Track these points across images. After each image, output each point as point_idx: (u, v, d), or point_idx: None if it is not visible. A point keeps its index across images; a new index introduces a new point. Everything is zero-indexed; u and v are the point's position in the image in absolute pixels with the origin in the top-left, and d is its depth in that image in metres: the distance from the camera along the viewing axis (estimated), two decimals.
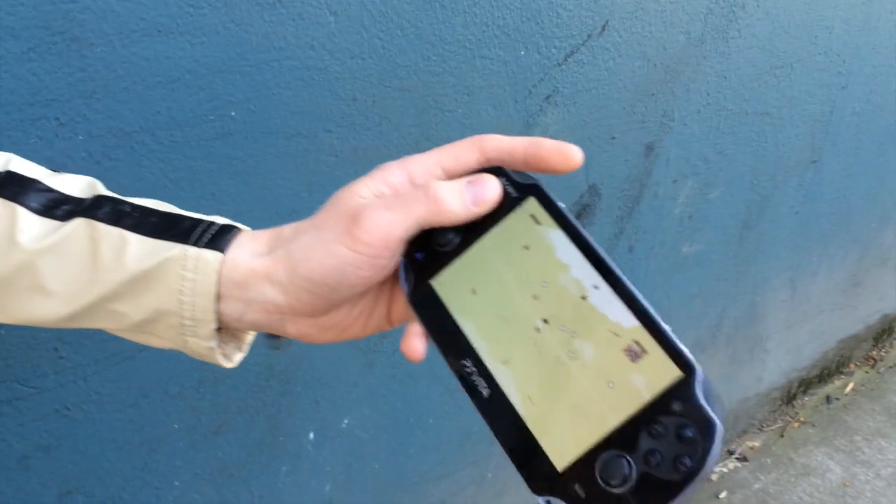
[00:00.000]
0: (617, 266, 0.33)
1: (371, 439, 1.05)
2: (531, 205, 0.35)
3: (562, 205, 0.35)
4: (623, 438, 0.30)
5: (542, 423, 0.31)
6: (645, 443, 0.29)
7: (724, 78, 1.22)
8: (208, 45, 0.69)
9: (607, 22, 1.01)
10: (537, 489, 0.31)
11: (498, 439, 0.32)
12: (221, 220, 0.38)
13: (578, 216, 1.13)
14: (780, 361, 1.81)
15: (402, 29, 0.81)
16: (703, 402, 0.29)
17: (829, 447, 1.82)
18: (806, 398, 1.97)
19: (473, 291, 0.35)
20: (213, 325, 0.36)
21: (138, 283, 0.36)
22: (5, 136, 0.61)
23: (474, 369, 0.34)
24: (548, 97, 0.99)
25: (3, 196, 0.38)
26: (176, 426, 0.84)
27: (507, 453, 0.32)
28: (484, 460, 1.24)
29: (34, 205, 0.38)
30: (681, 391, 0.30)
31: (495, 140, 0.37)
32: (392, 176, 0.36)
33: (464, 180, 0.36)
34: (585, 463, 0.30)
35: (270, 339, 0.86)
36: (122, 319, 0.37)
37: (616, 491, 0.29)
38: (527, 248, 0.35)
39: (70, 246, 0.37)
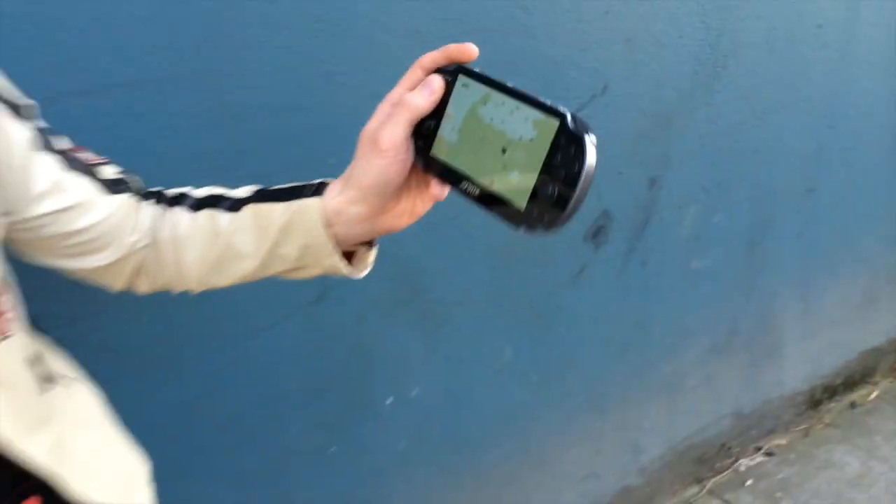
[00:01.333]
0: (507, 82, 0.53)
1: (434, 408, 1.34)
2: (461, 79, 0.57)
3: (475, 69, 0.57)
4: (546, 174, 0.50)
5: (506, 190, 0.53)
6: (556, 168, 0.50)
7: (714, 124, 1.49)
8: None
9: (607, 84, 1.30)
10: (516, 223, 0.52)
11: (489, 210, 0.54)
12: (316, 181, 0.64)
13: (594, 236, 1.42)
14: (800, 369, 2.02)
15: None
16: (572, 129, 0.49)
17: (850, 445, 2.01)
18: (832, 404, 2.16)
19: (452, 143, 0.57)
20: (332, 246, 0.62)
21: (285, 230, 0.63)
22: None
23: (467, 184, 0.56)
24: None
25: (207, 207, 0.68)
26: (293, 385, 1.16)
27: (496, 215, 0.53)
28: (527, 434, 1.51)
29: (227, 208, 0.68)
30: (562, 130, 0.50)
31: (426, 57, 0.60)
32: (383, 108, 0.60)
33: (419, 85, 0.59)
34: (533, 198, 0.51)
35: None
36: (287, 260, 0.65)
37: (552, 204, 0.49)
38: (469, 101, 0.56)
39: (245, 222, 0.66)
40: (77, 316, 0.87)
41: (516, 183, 0.53)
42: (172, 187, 0.69)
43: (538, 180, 0.51)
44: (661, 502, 1.82)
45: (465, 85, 0.57)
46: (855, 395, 2.20)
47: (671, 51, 1.36)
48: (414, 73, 0.60)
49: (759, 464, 1.96)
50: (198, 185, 0.69)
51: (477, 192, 0.55)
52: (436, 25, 1.07)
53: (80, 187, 0.61)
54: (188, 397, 1.06)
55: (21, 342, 0.63)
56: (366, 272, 0.68)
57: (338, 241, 0.63)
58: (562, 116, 0.50)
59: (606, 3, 1.24)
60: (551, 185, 0.51)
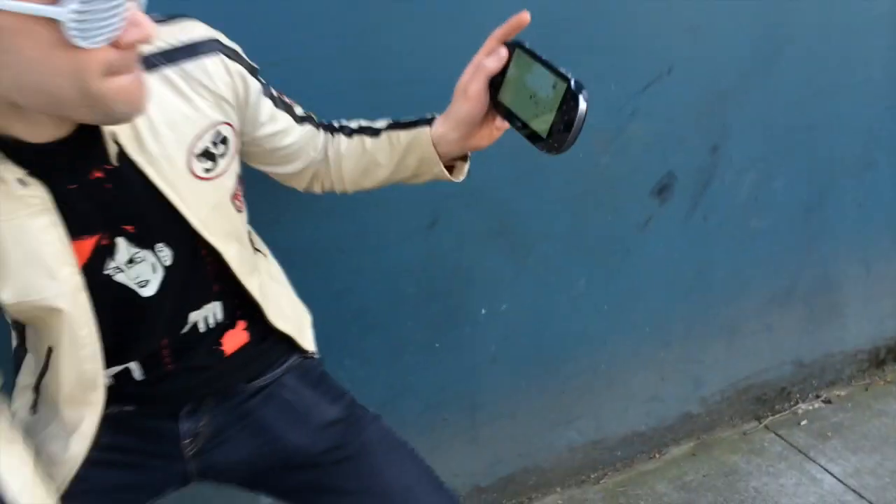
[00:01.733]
0: (542, 55, 0.84)
1: (519, 322, 1.68)
2: (517, 51, 0.88)
3: (529, 48, 0.85)
4: (558, 116, 0.80)
5: (535, 125, 0.84)
6: (563, 112, 0.80)
7: (771, 101, 1.74)
8: None
9: (672, 66, 1.59)
10: (540, 147, 0.82)
11: (526, 138, 0.84)
12: (428, 115, 0.98)
13: (660, 192, 1.71)
14: (862, 328, 2.21)
15: None
16: (574, 89, 0.79)
17: None
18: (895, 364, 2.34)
19: (509, 93, 0.89)
20: (437, 159, 0.97)
21: (408, 148, 0.99)
22: None
23: (516, 121, 0.86)
24: (632, 113, 1.59)
25: (358, 134, 1.06)
26: (409, 290, 1.53)
27: (529, 140, 0.84)
28: (598, 355, 1.82)
29: (370, 134, 1.05)
30: (567, 89, 0.80)
31: (497, 31, 0.88)
32: (469, 69, 0.90)
33: (492, 54, 0.89)
34: (550, 131, 0.82)
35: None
36: (408, 168, 1.01)
37: (560, 135, 0.80)
38: (521, 68, 0.87)
39: (382, 143, 1.02)
40: (265, 220, 1.26)
41: (541, 121, 0.84)
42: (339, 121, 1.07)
43: (553, 120, 0.82)
44: (720, 431, 2.08)
45: (519, 55, 0.88)
46: None
47: (730, 37, 1.63)
48: (489, 43, 0.90)
49: (816, 409, 2.18)
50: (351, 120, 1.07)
51: (519, 125, 0.87)
52: (539, 23, 1.39)
53: (284, 119, 1.00)
54: (332, 290, 1.45)
55: (245, 217, 1.02)
56: (462, 178, 1.04)
57: (441, 156, 0.99)
58: (568, 81, 0.81)
59: (673, 2, 1.53)
60: (561, 124, 0.82)
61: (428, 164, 1.00)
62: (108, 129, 0.80)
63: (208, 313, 0.99)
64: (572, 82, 0.80)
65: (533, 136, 0.85)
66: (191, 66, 0.86)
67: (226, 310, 1.02)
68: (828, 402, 2.21)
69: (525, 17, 0.88)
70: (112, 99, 0.70)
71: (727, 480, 1.93)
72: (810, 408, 2.19)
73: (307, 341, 1.15)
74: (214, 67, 0.88)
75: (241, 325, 1.05)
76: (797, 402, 2.19)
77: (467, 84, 0.92)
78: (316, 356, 1.17)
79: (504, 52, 0.89)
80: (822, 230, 1.98)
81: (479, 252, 1.58)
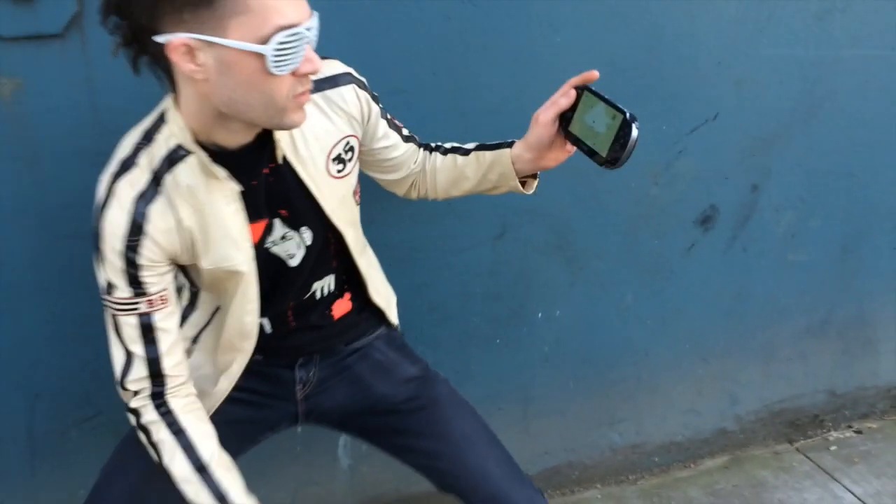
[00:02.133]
0: (606, 96, 1.10)
1: (571, 327, 1.92)
2: (586, 93, 1.14)
3: (595, 90, 1.13)
4: (615, 141, 1.06)
5: (598, 148, 1.09)
6: (619, 138, 1.06)
7: (810, 150, 1.95)
8: None
9: (718, 113, 1.83)
10: (600, 164, 1.09)
11: (591, 158, 1.11)
12: (509, 140, 1.26)
13: (703, 222, 1.93)
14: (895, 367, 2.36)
15: None
16: (628, 119, 1.05)
17: None
18: None
19: (577, 124, 1.15)
20: (514, 174, 1.24)
21: (491, 165, 1.27)
22: None
23: (586, 148, 1.12)
24: (680, 151, 1.83)
25: (451, 153, 1.33)
26: (477, 290, 1.79)
27: (592, 160, 1.10)
28: (641, 365, 2.04)
29: (461, 153, 1.32)
30: (623, 120, 1.05)
31: (572, 79, 1.16)
32: (546, 104, 1.17)
33: (565, 94, 1.16)
34: (609, 152, 1.07)
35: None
36: (490, 181, 1.29)
37: (616, 156, 1.06)
38: (588, 105, 1.14)
39: (470, 160, 1.29)
40: (363, 220, 1.54)
41: (602, 145, 1.09)
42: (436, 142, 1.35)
43: (612, 144, 1.07)
44: (752, 449, 2.26)
45: (586, 96, 1.14)
46: None
47: (773, 91, 1.85)
48: (564, 87, 1.16)
49: (846, 437, 2.33)
50: (440, 140, 1.34)
51: (585, 149, 1.12)
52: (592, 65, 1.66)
53: (394, 137, 1.28)
54: (412, 284, 1.72)
55: (359, 210, 1.30)
56: (532, 192, 1.30)
57: (517, 172, 1.25)
58: (624, 113, 1.06)
59: (719, 55, 1.77)
60: (618, 146, 1.06)
61: (506, 179, 1.28)
62: (277, 136, 1.09)
63: (325, 284, 1.27)
64: (627, 115, 1.06)
65: (595, 156, 1.11)
66: (332, 93, 1.15)
67: (337, 283, 1.30)
68: (859, 432, 2.36)
69: (594, 74, 1.15)
70: (289, 112, 0.99)
71: (754, 491, 2.10)
72: (841, 436, 2.34)
73: (393, 316, 1.42)
74: (349, 94, 1.17)
75: (347, 296, 1.33)
76: (829, 430, 2.34)
77: (540, 114, 1.19)
78: (399, 329, 1.44)
79: (573, 93, 1.16)
80: (857, 269, 2.16)
81: (539, 262, 1.83)
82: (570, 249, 1.84)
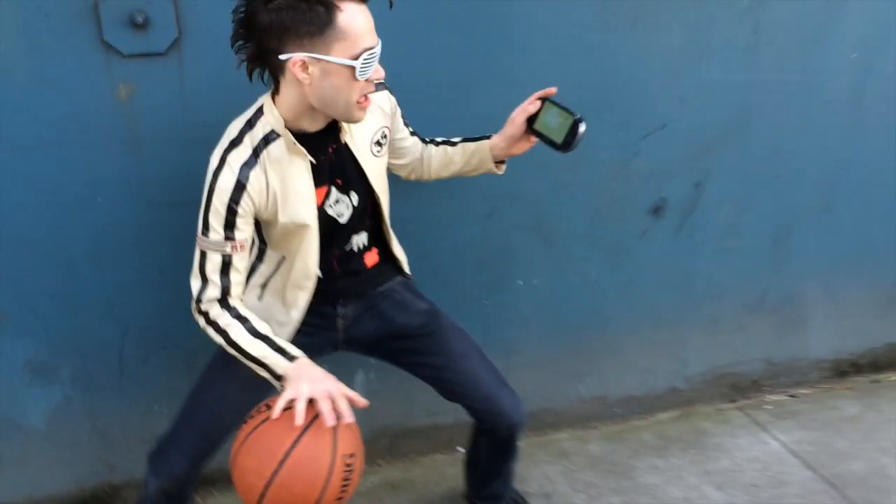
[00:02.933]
0: (564, 102, 1.60)
1: (547, 294, 2.35)
2: (547, 101, 1.63)
3: (553, 99, 1.64)
4: (567, 134, 1.57)
5: (555, 139, 1.60)
6: (570, 132, 1.57)
7: (743, 156, 2.39)
8: None
9: (665, 124, 2.27)
10: (557, 150, 1.60)
11: (553, 147, 1.61)
12: (488, 135, 1.74)
13: (655, 212, 2.37)
14: (826, 342, 2.77)
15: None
16: (577, 119, 1.56)
17: (858, 401, 2.73)
18: (857, 377, 2.87)
19: (540, 123, 1.64)
20: (491, 160, 1.74)
21: (473, 152, 1.75)
22: None
23: (546, 140, 1.62)
24: (635, 153, 2.27)
25: (443, 144, 1.80)
26: (469, 259, 2.23)
27: (550, 147, 1.62)
28: (604, 328, 2.47)
29: (450, 145, 1.79)
30: (574, 120, 1.56)
31: (538, 92, 1.66)
32: (517, 109, 1.67)
33: (532, 103, 1.65)
34: (563, 141, 1.58)
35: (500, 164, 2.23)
36: (471, 165, 1.76)
37: (568, 144, 1.58)
38: (547, 110, 1.63)
39: (457, 150, 1.77)
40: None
41: (558, 137, 1.57)
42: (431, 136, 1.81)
43: (565, 136, 1.55)
44: (699, 406, 2.68)
45: (547, 104, 1.62)
46: (880, 376, 2.89)
47: (710, 108, 2.29)
48: (532, 97, 1.65)
49: (781, 401, 2.74)
50: (441, 136, 1.80)
51: (546, 140, 1.60)
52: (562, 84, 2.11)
53: (406, 131, 1.75)
54: (417, 253, 2.13)
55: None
56: (502, 173, 1.76)
57: (492, 157, 1.71)
58: (573, 114, 1.55)
59: (666, 77, 2.21)
60: (569, 137, 1.55)
61: (484, 163, 1.75)
62: (341, 125, 1.55)
63: (361, 239, 1.72)
64: (576, 115, 1.55)
65: (553, 144, 1.59)
66: (374, 96, 1.59)
67: (369, 239, 1.74)
68: (793, 396, 2.78)
69: (553, 90, 1.65)
70: (358, 108, 1.46)
71: (696, 437, 2.53)
72: (777, 399, 2.76)
73: (406, 268, 1.87)
74: (384, 98, 1.65)
75: (375, 250, 1.78)
76: (766, 394, 2.77)
77: (514, 116, 1.67)
78: (412, 278, 1.89)
79: (538, 102, 1.65)
80: (787, 257, 2.58)
81: (521, 239, 2.27)
82: (545, 230, 2.29)
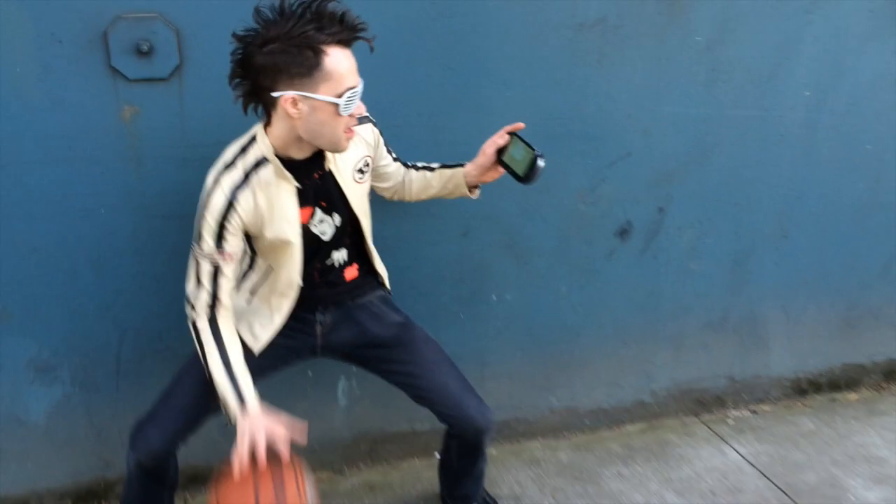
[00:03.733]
0: (526, 140, 1.77)
1: (519, 308, 2.48)
2: (514, 136, 1.81)
3: (519, 135, 1.81)
4: (528, 168, 1.74)
5: (518, 172, 1.77)
6: (531, 166, 1.73)
7: (703, 184, 2.54)
8: None
9: (630, 152, 2.42)
10: (520, 182, 1.78)
11: (516, 179, 1.78)
12: (463, 162, 1.91)
13: (621, 234, 2.51)
14: (786, 361, 2.91)
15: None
16: (537, 155, 1.72)
17: (816, 416, 2.86)
18: (816, 395, 2.99)
19: (507, 156, 1.81)
20: (465, 186, 1.90)
21: (449, 178, 1.91)
22: None
23: (511, 171, 1.79)
24: (602, 179, 2.42)
25: (422, 170, 1.95)
26: (446, 275, 2.37)
27: (515, 179, 1.79)
28: (573, 343, 2.60)
29: (429, 170, 1.94)
30: (534, 155, 1.73)
31: (508, 126, 1.83)
32: (488, 142, 1.85)
33: (501, 136, 1.83)
34: (524, 174, 1.76)
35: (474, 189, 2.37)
36: (447, 189, 1.93)
37: (529, 177, 1.75)
38: (514, 144, 1.80)
39: (435, 175, 1.93)
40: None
41: (520, 170, 1.74)
42: (412, 161, 1.96)
43: (525, 170, 1.72)
44: (665, 419, 2.81)
45: (514, 139, 1.78)
46: (838, 395, 3.02)
47: (672, 139, 2.45)
48: (501, 131, 1.82)
49: (744, 416, 2.87)
50: (421, 160, 1.95)
51: (511, 172, 1.77)
52: (535, 115, 2.26)
53: (388, 159, 1.90)
54: (397, 267, 2.28)
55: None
56: (477, 197, 1.92)
57: (466, 183, 1.87)
58: (534, 150, 1.71)
59: (630, 110, 2.37)
60: (529, 171, 1.72)
61: (459, 188, 1.91)
62: (327, 154, 1.70)
63: (341, 255, 1.86)
64: (536, 152, 1.70)
65: (516, 176, 1.75)
66: (358, 128, 1.75)
67: (349, 255, 1.88)
68: (754, 412, 2.90)
69: (521, 125, 1.81)
70: (342, 141, 1.61)
71: (661, 448, 2.65)
72: (739, 414, 2.88)
73: (386, 283, 2.01)
74: (367, 131, 1.80)
75: (355, 266, 1.92)
76: (729, 409, 2.89)
77: (485, 147, 1.83)
78: (390, 292, 2.02)
79: (507, 136, 1.81)
80: (747, 280, 2.73)
81: (494, 257, 2.41)
82: (517, 248, 2.43)
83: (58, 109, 1.90)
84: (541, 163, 1.72)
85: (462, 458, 2.08)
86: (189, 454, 2.19)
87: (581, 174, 2.40)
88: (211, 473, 2.30)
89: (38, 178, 1.94)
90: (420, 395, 1.92)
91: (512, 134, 1.82)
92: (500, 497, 2.35)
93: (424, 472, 2.46)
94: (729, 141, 2.52)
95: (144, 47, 1.88)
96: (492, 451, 2.59)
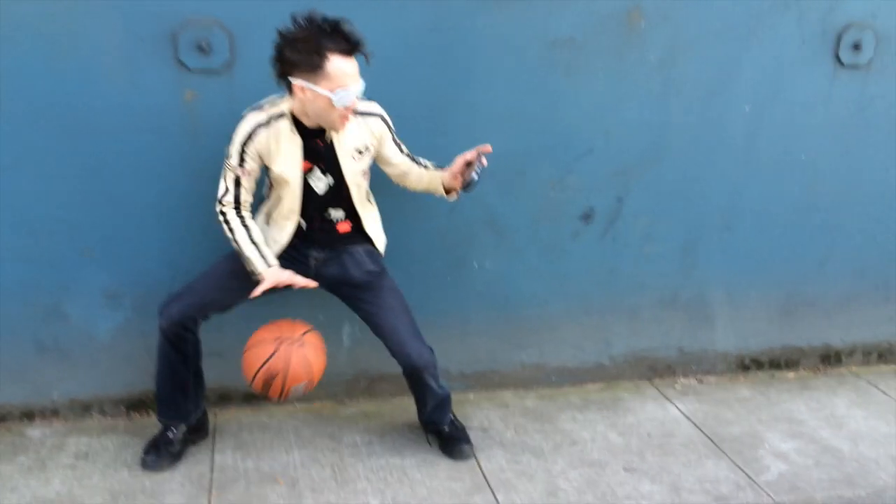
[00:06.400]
0: (476, 174, 2.28)
1: (497, 275, 2.94)
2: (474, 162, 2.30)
3: (486, 155, 2.31)
4: (473, 179, 2.26)
5: (466, 177, 2.29)
6: (474, 182, 2.27)
7: (655, 180, 2.99)
8: None
9: (592, 149, 2.89)
10: (465, 192, 2.34)
11: (462, 188, 2.33)
12: (446, 167, 2.41)
13: (585, 218, 2.97)
14: (730, 339, 3.31)
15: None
16: (477, 174, 2.26)
17: (752, 388, 3.26)
18: (757, 372, 3.39)
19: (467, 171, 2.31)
20: (442, 188, 2.40)
21: (435, 177, 2.41)
22: None
23: (468, 182, 2.31)
24: (568, 171, 2.89)
25: (421, 167, 2.46)
26: (437, 246, 2.85)
27: (462, 187, 2.33)
28: (543, 310, 3.05)
29: (425, 168, 2.44)
30: (477, 172, 2.26)
31: (478, 147, 2.31)
32: (458, 157, 2.33)
33: (471, 154, 2.32)
34: (469, 185, 2.29)
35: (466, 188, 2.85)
36: (432, 186, 2.42)
37: (472, 187, 2.29)
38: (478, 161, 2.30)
39: (429, 173, 2.45)
40: (378, 199, 2.61)
41: (467, 179, 2.25)
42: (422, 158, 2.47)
43: (469, 182, 2.25)
44: (620, 382, 3.23)
45: (477, 158, 2.28)
46: (777, 373, 3.41)
47: (629, 140, 2.91)
48: (472, 150, 2.31)
49: (691, 384, 3.28)
50: (421, 153, 2.45)
51: (467, 183, 2.27)
52: (515, 121, 2.74)
53: (395, 150, 2.42)
54: (398, 236, 2.76)
55: (367, 182, 2.41)
56: (453, 200, 2.45)
57: (443, 184, 2.39)
58: (478, 169, 2.24)
59: (594, 114, 2.84)
60: (472, 183, 2.25)
61: (438, 189, 2.42)
62: (328, 130, 2.22)
63: (336, 211, 2.37)
64: (478, 169, 2.24)
65: (465, 186, 2.26)
66: (369, 119, 2.29)
67: (344, 214, 2.39)
68: (700, 381, 3.32)
69: (488, 147, 2.30)
70: (338, 124, 2.15)
71: (614, 401, 3.08)
72: (687, 382, 3.30)
73: (379, 244, 2.50)
74: (375, 124, 2.31)
75: (349, 223, 2.42)
76: (679, 377, 3.31)
77: (456, 161, 2.32)
78: (379, 250, 2.51)
79: (474, 154, 2.29)
80: (695, 264, 3.16)
81: (477, 231, 2.88)
82: (497, 225, 2.90)
83: (136, 91, 2.44)
84: (475, 176, 2.28)
85: (414, 390, 2.57)
86: (220, 377, 2.70)
87: (551, 166, 2.87)
88: (238, 394, 2.80)
89: (119, 143, 2.47)
90: (376, 332, 2.46)
91: (477, 153, 2.30)
92: (470, 428, 2.79)
93: (411, 407, 2.90)
94: (679, 144, 2.97)
95: (204, 45, 2.41)
96: (469, 395, 3.06)
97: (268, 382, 2.21)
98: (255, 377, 2.22)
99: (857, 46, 3.00)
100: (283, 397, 2.26)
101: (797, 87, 3.01)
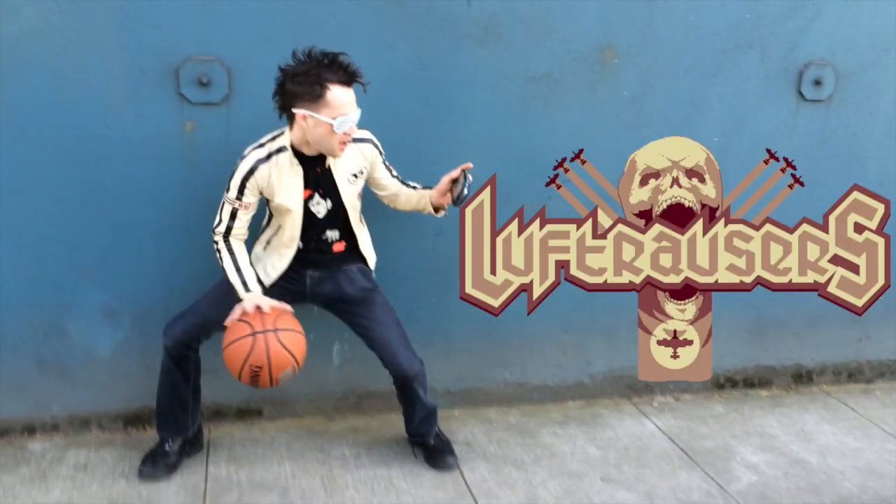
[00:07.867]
0: (466, 188, 2.44)
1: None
2: (463, 171, 2.47)
3: (468, 172, 2.49)
4: (458, 195, 2.45)
5: (457, 199, 2.48)
6: (463, 196, 2.43)
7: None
8: None
9: (566, 158, 3.04)
10: (455, 206, 2.53)
11: (453, 203, 2.51)
12: (433, 187, 2.58)
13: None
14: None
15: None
16: (466, 188, 2.43)
17: (727, 406, 3.37)
18: (732, 390, 3.51)
19: (456, 189, 2.48)
20: (431, 206, 2.56)
21: (422, 198, 2.58)
22: None
23: (456, 198, 2.49)
24: (548, 197, 3.04)
25: (410, 188, 2.61)
26: (424, 264, 2.98)
27: (453, 202, 2.52)
28: (524, 329, 3.18)
29: (414, 189, 2.59)
30: (465, 188, 2.45)
31: (462, 166, 2.49)
32: (445, 177, 2.51)
33: (456, 173, 2.51)
34: (458, 199, 2.47)
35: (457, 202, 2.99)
36: (421, 205, 2.59)
37: (461, 201, 2.46)
38: (464, 179, 2.46)
39: (414, 193, 2.60)
40: (368, 219, 2.75)
41: (456, 194, 2.42)
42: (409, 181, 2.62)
43: (455, 197, 2.42)
44: (601, 399, 3.34)
45: (464, 173, 2.45)
46: (751, 391, 3.53)
47: (602, 170, 3.07)
48: (456, 169, 2.48)
49: (668, 402, 3.39)
50: (409, 177, 2.60)
51: (453, 196, 2.44)
52: (496, 143, 2.90)
53: (386, 173, 2.58)
54: (386, 256, 2.90)
55: (360, 204, 2.55)
56: (441, 215, 2.61)
57: (431, 203, 2.55)
58: (464, 186, 2.41)
59: (572, 139, 3.00)
60: (457, 199, 2.43)
61: (427, 207, 2.56)
62: (328, 157, 2.37)
63: (332, 232, 2.51)
64: (465, 185, 2.37)
65: (457, 201, 2.41)
66: (361, 145, 2.44)
67: (339, 235, 2.52)
68: (677, 399, 3.43)
69: (469, 165, 2.47)
70: (337, 149, 2.30)
71: (593, 418, 3.19)
72: (664, 400, 3.41)
73: (371, 263, 2.63)
74: (368, 149, 2.47)
75: (343, 243, 2.55)
76: (657, 395, 3.42)
77: (443, 180, 2.49)
78: (370, 268, 2.64)
79: (459, 172, 2.47)
80: None
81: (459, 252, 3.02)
82: None
83: (140, 121, 2.59)
84: (466, 190, 2.43)
85: (403, 401, 2.69)
86: (214, 394, 2.81)
87: (529, 191, 3.02)
88: (231, 410, 2.91)
89: (121, 170, 2.62)
90: (369, 344, 2.58)
91: (463, 172, 2.47)
92: (455, 442, 2.89)
93: (398, 422, 3.01)
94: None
95: (205, 80, 2.57)
96: (454, 412, 3.16)
97: (255, 376, 2.28)
98: (240, 374, 2.30)
99: (818, 82, 3.18)
100: (275, 384, 2.33)
101: (762, 119, 3.18)
